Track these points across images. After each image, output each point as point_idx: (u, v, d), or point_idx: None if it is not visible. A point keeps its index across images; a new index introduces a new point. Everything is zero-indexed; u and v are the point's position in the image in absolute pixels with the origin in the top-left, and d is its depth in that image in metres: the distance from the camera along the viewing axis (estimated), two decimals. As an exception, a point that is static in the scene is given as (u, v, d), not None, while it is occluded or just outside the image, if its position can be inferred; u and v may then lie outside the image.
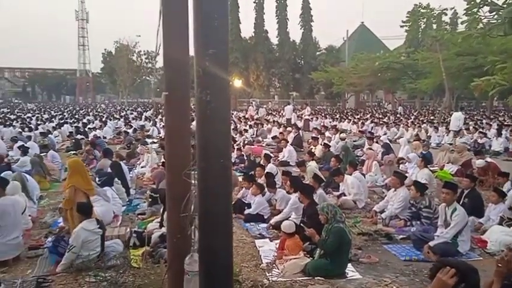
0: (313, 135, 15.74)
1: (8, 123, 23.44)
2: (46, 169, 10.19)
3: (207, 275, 2.13)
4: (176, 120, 2.67)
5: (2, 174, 8.06)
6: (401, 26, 47.88)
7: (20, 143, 13.64)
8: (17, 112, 38.62)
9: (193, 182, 2.55)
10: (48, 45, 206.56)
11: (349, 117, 26.99)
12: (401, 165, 11.17)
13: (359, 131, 18.75)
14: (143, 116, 30.40)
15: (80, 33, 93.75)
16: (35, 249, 5.82)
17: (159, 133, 20.10)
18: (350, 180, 8.25)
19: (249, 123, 22.68)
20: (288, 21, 52.60)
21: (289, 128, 18.45)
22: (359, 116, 28.39)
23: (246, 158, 12.28)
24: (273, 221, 6.78)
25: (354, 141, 15.99)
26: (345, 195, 8.18)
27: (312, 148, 13.48)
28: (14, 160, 11.87)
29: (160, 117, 29.13)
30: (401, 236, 6.36)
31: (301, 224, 5.35)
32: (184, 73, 2.67)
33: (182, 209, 2.49)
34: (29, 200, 7.26)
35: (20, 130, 19.32)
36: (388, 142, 14.03)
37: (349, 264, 5.17)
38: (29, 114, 33.68)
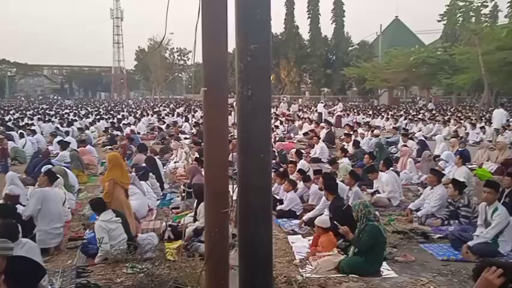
0: (346, 131, 15.55)
1: (47, 119, 24.34)
2: (84, 163, 10.52)
3: (246, 268, 2.15)
4: (215, 116, 2.68)
5: (43, 168, 8.43)
6: (438, 21, 46.56)
7: (58, 138, 14.17)
8: (56, 108, 40.03)
9: (231, 176, 2.58)
10: (84, 43, 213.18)
11: (382, 114, 26.48)
12: (440, 162, 10.82)
13: (393, 127, 18.36)
14: (175, 112, 30.87)
15: (115, 31, 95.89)
16: (75, 241, 6.04)
17: (191, 129, 20.33)
18: (384, 177, 8.10)
19: (279, 119, 22.62)
20: (320, 16, 52.17)
21: (322, 124, 18.30)
22: (392, 113, 27.81)
23: (277, 154, 12.26)
24: (305, 217, 6.75)
25: (387, 138, 15.69)
26: (379, 193, 8.05)
27: (344, 145, 13.33)
28: (54, 154, 12.32)
29: (192, 113, 29.54)
30: (438, 235, 6.19)
31: (335, 222, 5.29)
32: (223, 68, 2.68)
33: (222, 204, 2.51)
34: (68, 193, 7.52)
35: (58, 126, 20.03)
36: (424, 139, 13.67)
37: (384, 263, 5.08)
38: (67, 110, 34.89)
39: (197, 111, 32.12)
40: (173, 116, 28.27)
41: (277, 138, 15.75)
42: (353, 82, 52.41)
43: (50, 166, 8.97)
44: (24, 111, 33.61)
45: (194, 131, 18.92)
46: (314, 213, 6.67)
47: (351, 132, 14.87)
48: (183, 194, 7.70)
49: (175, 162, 11.91)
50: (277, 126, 18.94)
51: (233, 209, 2.55)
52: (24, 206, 6.17)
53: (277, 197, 7.78)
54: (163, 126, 20.33)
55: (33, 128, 17.55)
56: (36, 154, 11.71)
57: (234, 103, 2.30)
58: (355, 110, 31.66)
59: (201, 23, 2.59)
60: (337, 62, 51.65)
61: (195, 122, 21.98)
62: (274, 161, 11.86)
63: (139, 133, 18.76)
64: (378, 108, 35.94)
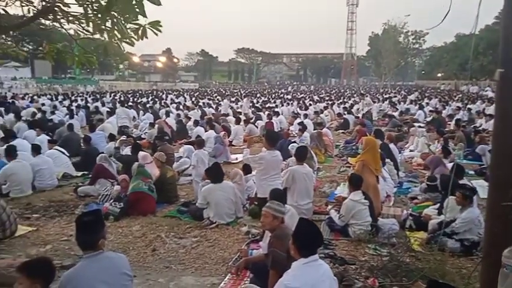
0: None
1: (286, 102, 26.92)
2: (323, 144, 11.20)
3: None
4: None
5: (289, 146, 9.41)
6: None
7: (298, 120, 15.51)
8: (292, 93, 43.91)
9: None
10: (319, 31, 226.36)
11: None
12: None
13: None
14: (408, 99, 29.60)
15: (350, 17, 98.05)
16: (319, 214, 6.49)
17: (425, 117, 19.15)
18: None
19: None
20: None
21: None
22: None
23: None
24: None
25: None
26: None
27: None
28: (293, 134, 13.55)
29: (426, 100, 27.72)
30: None
31: None
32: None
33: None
34: (310, 171, 8.16)
35: (297, 109, 21.93)
36: None
37: None
38: (302, 95, 37.87)
39: (432, 98, 29.98)
40: (405, 103, 27.14)
41: None
42: None
43: (295, 145, 9.94)
44: (268, 95, 38.12)
45: (428, 119, 17.75)
46: None
47: None
48: (425, 187, 7.31)
49: (410, 151, 11.47)
50: None
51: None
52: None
53: None
54: (396, 113, 19.77)
55: (276, 110, 19.75)
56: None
57: None
58: None
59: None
60: None
61: (430, 110, 20.56)
62: None
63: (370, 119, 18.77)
64: None
